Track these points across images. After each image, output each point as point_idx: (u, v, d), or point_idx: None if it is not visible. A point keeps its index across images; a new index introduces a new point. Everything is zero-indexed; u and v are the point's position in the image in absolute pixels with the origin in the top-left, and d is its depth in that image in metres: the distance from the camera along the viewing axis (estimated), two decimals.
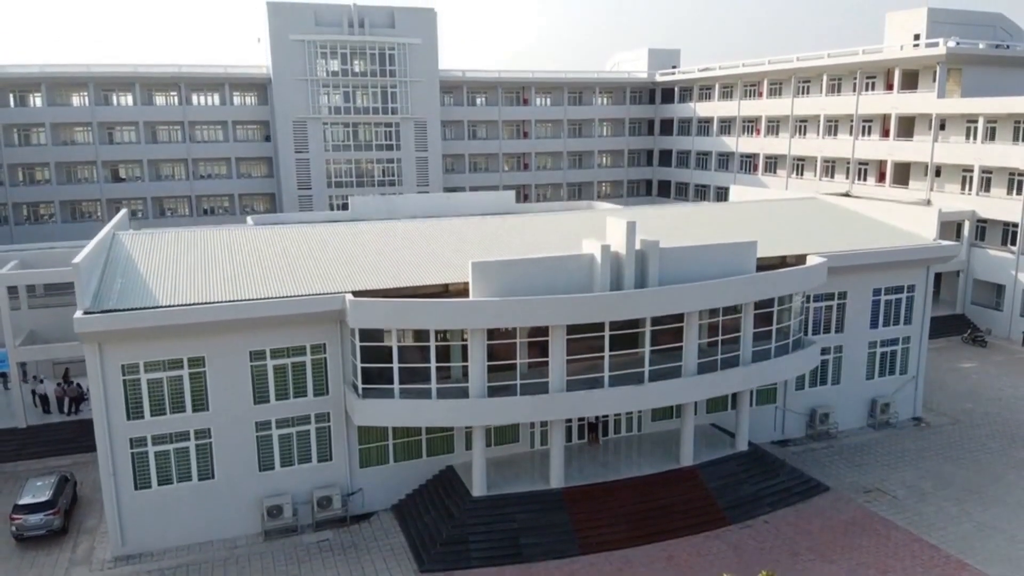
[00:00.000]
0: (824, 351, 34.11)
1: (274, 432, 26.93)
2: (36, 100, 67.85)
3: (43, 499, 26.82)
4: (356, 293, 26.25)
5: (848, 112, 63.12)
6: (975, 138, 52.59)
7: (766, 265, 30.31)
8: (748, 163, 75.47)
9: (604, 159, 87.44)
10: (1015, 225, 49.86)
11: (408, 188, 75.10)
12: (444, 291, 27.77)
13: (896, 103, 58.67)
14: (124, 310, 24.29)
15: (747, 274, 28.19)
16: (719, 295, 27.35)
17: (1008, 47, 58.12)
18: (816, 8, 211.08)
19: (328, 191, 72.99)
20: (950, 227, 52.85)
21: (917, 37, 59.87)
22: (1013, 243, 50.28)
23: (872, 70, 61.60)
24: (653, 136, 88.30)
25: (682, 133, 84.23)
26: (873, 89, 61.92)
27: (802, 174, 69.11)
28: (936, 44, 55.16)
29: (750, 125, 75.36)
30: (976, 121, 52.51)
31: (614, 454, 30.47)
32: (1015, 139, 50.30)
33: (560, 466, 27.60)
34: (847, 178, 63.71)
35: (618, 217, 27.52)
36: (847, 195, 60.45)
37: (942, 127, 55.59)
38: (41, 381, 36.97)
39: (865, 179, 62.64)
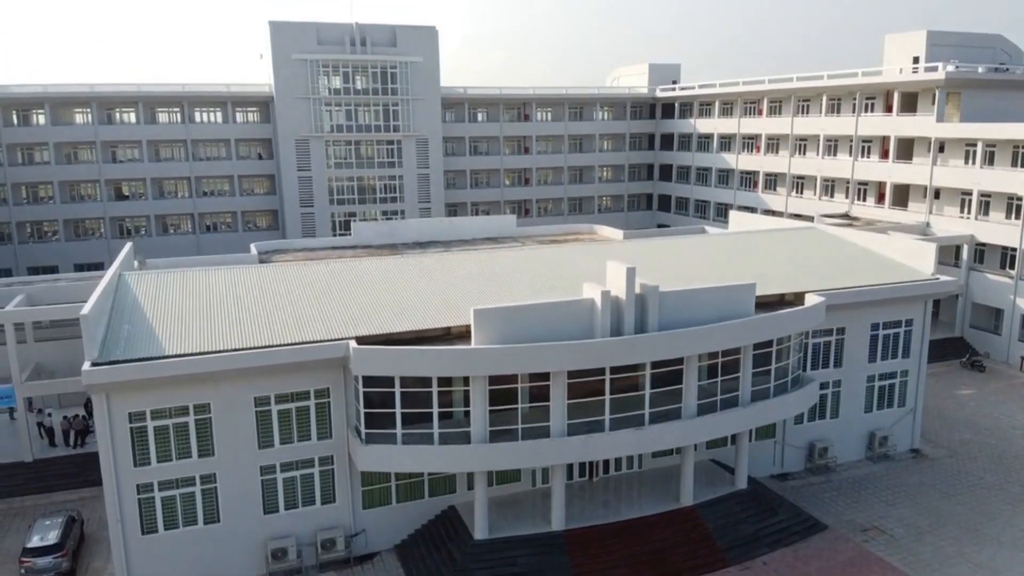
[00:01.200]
0: (823, 385, 34.44)
1: (278, 476, 27.26)
2: (39, 119, 68.19)
3: (51, 542, 27.17)
4: (359, 339, 26.56)
5: (848, 133, 63.41)
6: (974, 162, 52.87)
7: (765, 303, 30.68)
8: (748, 180, 75.74)
9: (605, 173, 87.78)
10: (1014, 249, 50.17)
11: (410, 204, 75.49)
12: (446, 334, 28.17)
13: (895, 125, 58.95)
14: (131, 361, 24.62)
15: (746, 316, 28.44)
16: (719, 339, 27.64)
17: (1007, 69, 58.28)
18: (816, 19, 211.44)
19: (330, 208, 73.41)
20: (949, 250, 53.16)
21: (916, 60, 60.04)
22: (1012, 267, 50.58)
23: (871, 92, 61.89)
24: (653, 151, 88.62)
25: (682, 148, 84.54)
26: (872, 111, 62.18)
27: (802, 192, 69.42)
28: (935, 68, 55.41)
29: (750, 142, 75.67)
30: (975, 145, 52.80)
31: (615, 493, 30.77)
32: (1014, 164, 50.57)
33: (561, 508, 27.90)
34: (847, 198, 64.00)
35: (619, 262, 27.75)
36: (847, 215, 60.96)
37: (941, 150, 55.87)
38: (49, 414, 37.25)
39: (864, 199, 62.89)
